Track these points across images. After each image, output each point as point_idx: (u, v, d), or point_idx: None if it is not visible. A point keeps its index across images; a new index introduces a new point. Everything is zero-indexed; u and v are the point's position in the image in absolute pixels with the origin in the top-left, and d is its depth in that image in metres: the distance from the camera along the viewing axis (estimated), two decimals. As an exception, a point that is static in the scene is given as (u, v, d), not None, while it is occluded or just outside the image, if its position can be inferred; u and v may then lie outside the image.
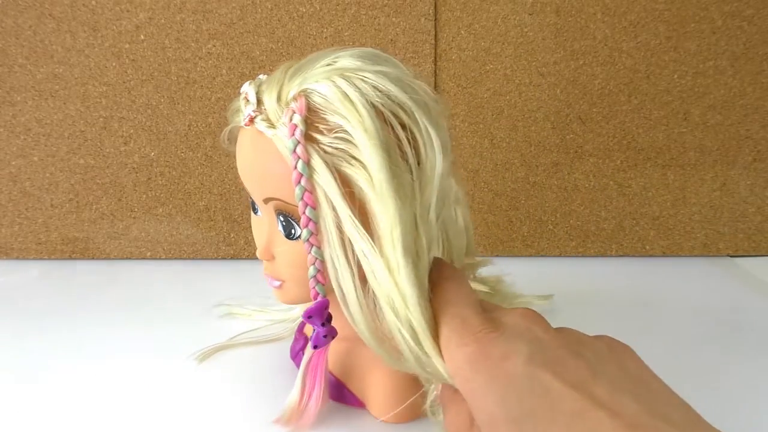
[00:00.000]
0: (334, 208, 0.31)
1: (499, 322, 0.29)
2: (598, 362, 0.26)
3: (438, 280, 0.32)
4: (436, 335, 0.30)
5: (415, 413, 0.38)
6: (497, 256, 0.66)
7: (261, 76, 0.35)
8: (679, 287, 0.60)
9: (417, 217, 0.32)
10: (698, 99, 0.63)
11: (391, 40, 0.61)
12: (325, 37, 0.61)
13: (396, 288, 0.30)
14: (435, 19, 0.61)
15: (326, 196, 0.31)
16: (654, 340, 0.49)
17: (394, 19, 0.61)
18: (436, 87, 0.62)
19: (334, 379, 0.39)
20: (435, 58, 0.62)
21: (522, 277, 0.50)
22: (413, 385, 0.36)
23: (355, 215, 0.31)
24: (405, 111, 0.31)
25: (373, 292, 0.31)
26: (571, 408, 0.24)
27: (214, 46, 0.61)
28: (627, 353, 0.28)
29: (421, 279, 0.31)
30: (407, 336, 0.30)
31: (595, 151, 0.64)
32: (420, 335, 0.30)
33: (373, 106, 0.30)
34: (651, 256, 0.67)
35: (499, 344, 0.27)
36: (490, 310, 0.31)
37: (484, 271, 0.44)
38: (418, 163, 0.32)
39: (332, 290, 0.34)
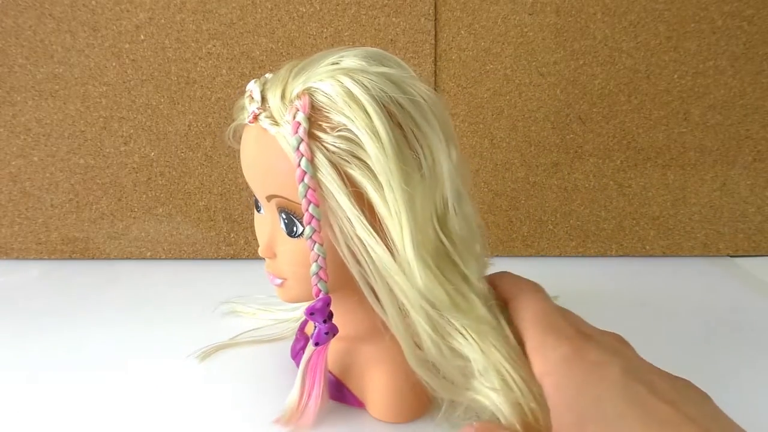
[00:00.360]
0: (339, 206, 0.31)
1: (589, 335, 0.31)
2: (686, 391, 0.28)
3: (518, 292, 0.34)
4: (493, 335, 0.32)
5: (415, 413, 0.38)
6: (497, 256, 0.66)
7: (267, 75, 0.35)
8: (679, 287, 0.60)
9: (435, 216, 0.33)
10: (698, 99, 0.63)
11: (391, 40, 0.61)
12: (325, 37, 0.61)
13: (409, 285, 0.31)
14: (435, 19, 0.61)
15: (330, 194, 0.31)
16: (654, 340, 0.49)
17: (394, 19, 0.61)
18: (436, 87, 0.62)
19: (333, 378, 0.39)
20: (435, 58, 0.62)
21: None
22: (413, 385, 0.36)
23: (362, 214, 0.31)
24: (410, 111, 0.32)
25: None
26: (664, 418, 0.25)
27: (214, 46, 0.61)
28: (706, 396, 0.29)
29: (452, 276, 0.33)
30: (428, 329, 0.32)
31: (595, 151, 0.64)
32: (440, 328, 0.32)
33: (380, 106, 0.31)
34: (651, 256, 0.67)
35: (594, 351, 0.29)
36: (576, 323, 0.33)
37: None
38: (427, 163, 0.32)
39: (334, 288, 0.34)
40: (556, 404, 0.29)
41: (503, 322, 0.34)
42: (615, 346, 0.30)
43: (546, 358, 0.30)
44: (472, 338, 0.32)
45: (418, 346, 0.33)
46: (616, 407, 0.26)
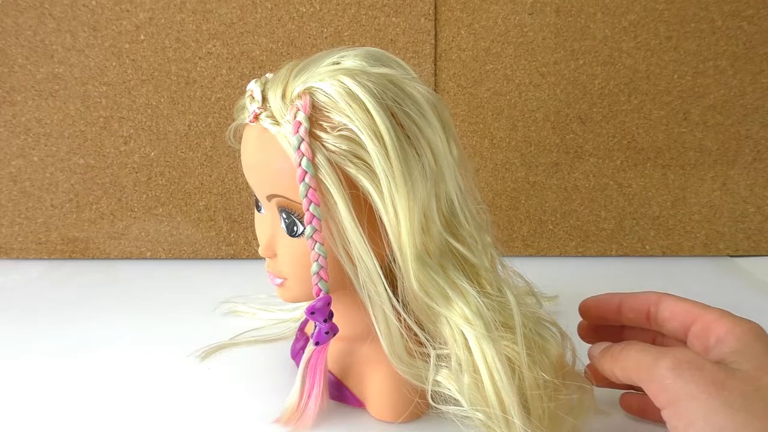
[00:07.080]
0: (336, 206, 0.31)
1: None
2: None
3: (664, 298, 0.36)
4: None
5: (415, 413, 0.38)
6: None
7: (267, 75, 0.35)
8: (679, 287, 0.60)
9: (439, 214, 0.33)
10: (698, 99, 0.63)
11: (391, 40, 0.61)
12: (325, 37, 0.61)
13: (408, 289, 0.32)
14: (435, 19, 0.61)
15: (329, 194, 0.31)
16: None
17: (394, 19, 0.61)
18: (436, 87, 0.63)
19: (333, 378, 0.39)
20: (435, 58, 0.62)
21: (522, 277, 0.50)
22: (413, 385, 0.36)
23: (357, 217, 0.31)
24: (410, 111, 0.32)
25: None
26: None
27: (214, 46, 0.61)
28: None
29: (456, 273, 0.33)
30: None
31: (595, 151, 0.64)
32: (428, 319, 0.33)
33: (381, 106, 0.31)
34: (651, 256, 0.67)
35: None
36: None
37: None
38: (428, 163, 0.32)
39: (334, 287, 0.35)
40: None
41: (517, 313, 0.34)
42: None
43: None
44: (461, 335, 0.33)
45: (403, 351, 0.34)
46: None
